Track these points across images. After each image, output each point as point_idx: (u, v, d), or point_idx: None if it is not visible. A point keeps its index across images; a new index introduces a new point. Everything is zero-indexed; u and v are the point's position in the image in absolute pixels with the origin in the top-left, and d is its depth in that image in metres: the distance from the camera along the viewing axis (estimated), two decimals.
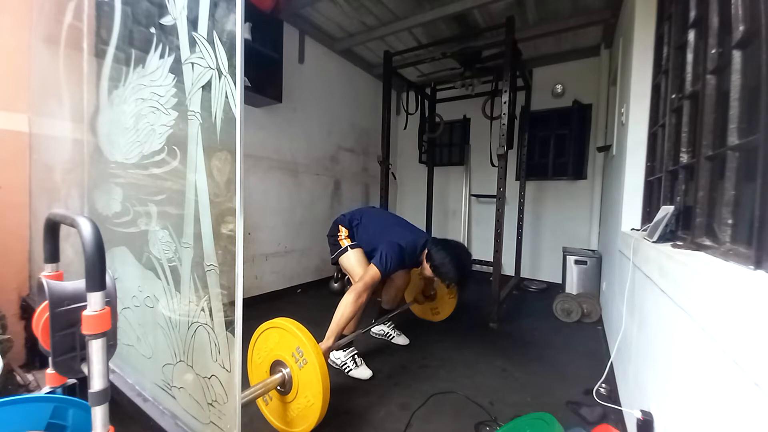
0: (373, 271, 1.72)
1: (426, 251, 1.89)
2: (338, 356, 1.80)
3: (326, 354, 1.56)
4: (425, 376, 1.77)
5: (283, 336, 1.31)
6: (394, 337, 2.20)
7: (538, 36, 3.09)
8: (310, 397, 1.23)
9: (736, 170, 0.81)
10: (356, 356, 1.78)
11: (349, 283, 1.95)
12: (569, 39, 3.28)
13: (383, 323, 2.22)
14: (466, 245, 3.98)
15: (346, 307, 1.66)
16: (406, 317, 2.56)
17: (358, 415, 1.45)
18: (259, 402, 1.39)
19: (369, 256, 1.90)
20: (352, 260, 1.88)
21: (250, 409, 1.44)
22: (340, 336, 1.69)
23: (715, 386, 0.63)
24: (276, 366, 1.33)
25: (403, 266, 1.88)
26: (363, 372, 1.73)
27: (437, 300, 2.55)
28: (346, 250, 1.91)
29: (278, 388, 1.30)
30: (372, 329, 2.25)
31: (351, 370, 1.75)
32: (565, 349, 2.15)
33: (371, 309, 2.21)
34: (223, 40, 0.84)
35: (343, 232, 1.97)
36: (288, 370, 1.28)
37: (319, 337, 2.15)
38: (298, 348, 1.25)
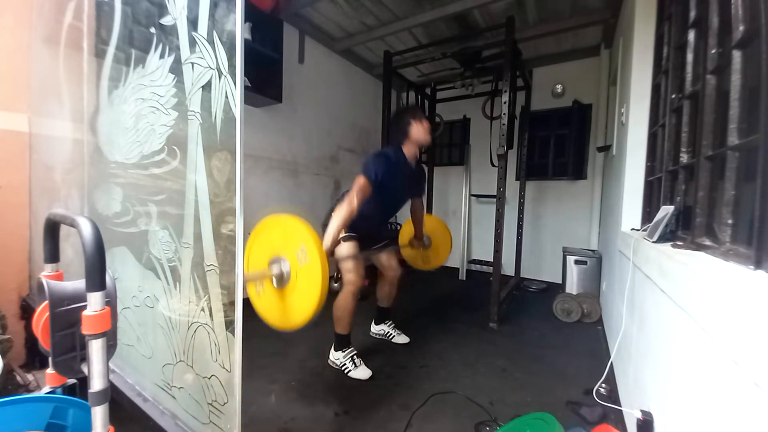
0: (360, 180, 1.66)
1: (399, 139, 1.87)
2: (337, 357, 1.79)
3: (328, 251, 1.55)
4: (425, 376, 1.77)
5: (287, 233, 1.24)
6: (394, 336, 2.20)
7: (538, 36, 3.10)
8: (308, 293, 1.17)
9: (736, 170, 0.81)
10: (355, 357, 1.78)
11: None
12: (569, 39, 3.28)
13: (383, 322, 2.22)
14: (466, 245, 4.00)
15: (338, 213, 1.63)
16: (407, 316, 2.56)
17: (358, 415, 1.45)
18: (251, 293, 1.34)
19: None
20: (344, 252, 1.77)
21: (250, 410, 1.44)
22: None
23: (715, 386, 0.63)
24: (275, 262, 1.26)
25: (391, 166, 1.79)
26: (362, 372, 1.73)
27: (431, 249, 2.53)
28: (338, 242, 1.75)
29: (274, 281, 1.24)
30: (372, 330, 2.26)
31: (350, 370, 1.75)
32: (565, 349, 2.15)
33: (370, 311, 2.22)
34: (223, 40, 0.84)
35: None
36: (288, 264, 1.22)
37: (320, 338, 2.17)
38: (302, 246, 1.18)
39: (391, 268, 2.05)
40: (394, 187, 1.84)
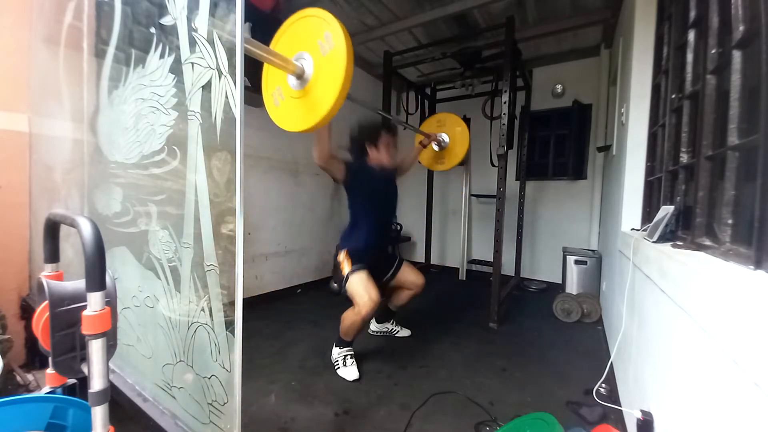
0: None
1: (362, 151, 1.91)
2: (334, 352, 1.81)
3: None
4: (425, 376, 1.77)
5: (311, 24, 1.15)
6: (398, 331, 2.25)
7: (538, 36, 3.09)
8: (332, 81, 1.08)
9: (736, 170, 0.81)
10: (348, 357, 1.78)
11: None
12: (569, 39, 3.28)
13: (386, 321, 2.25)
14: (466, 245, 3.99)
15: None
16: (406, 316, 2.56)
17: (358, 415, 1.45)
18: (269, 105, 1.28)
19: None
20: (355, 285, 1.73)
21: (250, 410, 1.44)
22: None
23: (715, 386, 0.63)
24: (297, 59, 1.17)
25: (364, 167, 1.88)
26: (350, 372, 1.72)
27: (446, 150, 2.57)
28: (347, 278, 1.76)
29: (294, 81, 1.16)
30: (373, 327, 2.27)
31: (339, 368, 1.76)
32: (565, 349, 2.15)
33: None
34: (223, 40, 0.84)
35: (343, 255, 1.84)
36: (310, 59, 1.13)
37: (320, 338, 2.17)
38: (326, 33, 1.09)
39: (417, 285, 2.05)
40: (372, 190, 1.88)
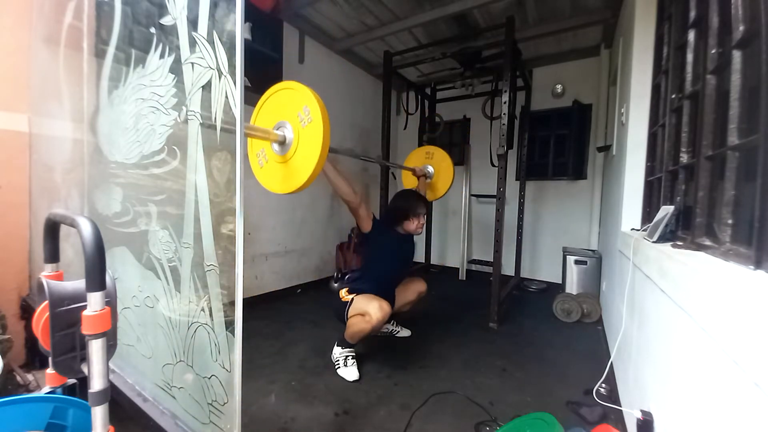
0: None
1: (396, 222, 1.96)
2: (335, 352, 1.81)
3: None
4: (425, 376, 1.77)
5: (291, 97, 1.23)
6: (398, 331, 2.26)
7: (538, 36, 3.09)
8: (310, 152, 1.16)
9: (736, 170, 0.81)
10: (349, 357, 1.78)
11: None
12: (569, 39, 3.28)
13: (388, 322, 2.24)
14: (466, 245, 4.00)
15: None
16: (406, 316, 2.55)
17: (358, 415, 1.45)
18: (254, 166, 1.34)
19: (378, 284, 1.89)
20: (362, 301, 1.75)
21: (250, 410, 1.44)
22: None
23: (715, 386, 0.63)
24: (278, 128, 1.24)
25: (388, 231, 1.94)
26: (350, 373, 1.72)
27: (430, 183, 2.62)
28: (351, 302, 1.79)
29: (276, 148, 1.24)
30: None
31: (340, 368, 1.76)
32: (565, 349, 2.15)
33: None
34: (223, 40, 0.84)
35: (344, 292, 1.87)
36: (291, 129, 1.20)
37: (320, 338, 2.17)
38: (305, 107, 1.18)
39: (421, 292, 2.11)
40: (393, 250, 1.94)
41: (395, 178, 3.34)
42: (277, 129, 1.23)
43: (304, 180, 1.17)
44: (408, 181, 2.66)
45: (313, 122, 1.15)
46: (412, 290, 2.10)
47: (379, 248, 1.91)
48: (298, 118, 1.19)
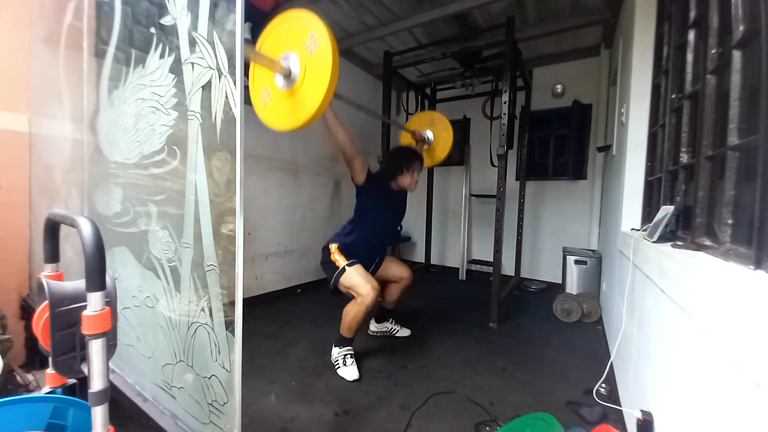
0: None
1: (390, 175, 1.94)
2: (334, 352, 1.81)
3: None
4: (425, 376, 1.77)
5: (296, 26, 1.17)
6: (397, 331, 2.25)
7: (538, 36, 3.09)
8: (318, 81, 1.10)
9: (736, 170, 0.81)
10: (348, 356, 1.78)
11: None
12: (569, 39, 3.28)
13: (385, 320, 2.26)
14: (466, 245, 4.00)
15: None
16: (406, 316, 2.56)
17: (358, 415, 1.45)
18: (257, 105, 1.29)
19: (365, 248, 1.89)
20: (354, 276, 1.73)
21: (250, 410, 1.44)
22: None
23: (715, 386, 0.63)
24: (283, 59, 1.17)
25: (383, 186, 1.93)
26: (350, 372, 1.72)
27: (433, 145, 2.56)
28: (344, 270, 1.76)
29: (281, 81, 1.17)
30: (372, 328, 2.27)
31: (339, 368, 1.76)
32: (565, 349, 2.15)
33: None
34: (223, 40, 0.84)
35: (334, 248, 1.85)
36: (297, 59, 1.14)
37: (320, 338, 2.17)
38: (311, 34, 1.11)
39: (403, 278, 2.09)
40: (385, 205, 1.92)
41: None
42: (282, 60, 1.16)
43: (312, 111, 1.10)
44: (406, 142, 2.59)
45: (320, 48, 1.08)
46: (393, 273, 2.07)
47: (372, 201, 1.90)
48: (304, 47, 1.12)
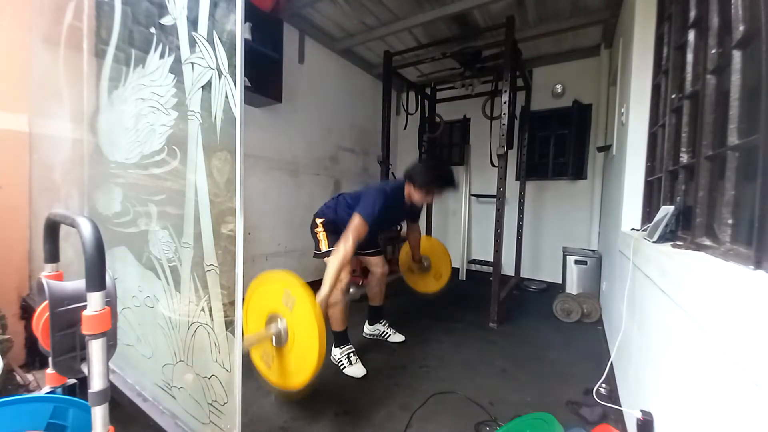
0: (357, 220, 1.59)
1: (407, 179, 1.85)
2: (335, 353, 1.80)
3: (322, 304, 1.41)
4: (425, 376, 1.77)
5: (271, 287, 1.26)
6: (390, 335, 2.17)
7: (538, 36, 3.09)
8: (307, 337, 1.16)
9: (736, 170, 0.81)
10: (351, 354, 1.78)
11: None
12: (569, 39, 3.28)
13: (377, 322, 2.21)
14: (466, 245, 4.00)
15: (334, 259, 1.56)
16: (406, 316, 2.56)
17: (358, 415, 1.45)
18: (262, 368, 1.34)
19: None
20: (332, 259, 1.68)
21: (250, 410, 1.44)
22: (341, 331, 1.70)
23: (715, 386, 0.63)
24: (270, 322, 1.27)
25: (389, 201, 1.74)
26: (357, 370, 1.73)
27: (430, 273, 2.58)
28: (327, 254, 1.74)
29: (275, 342, 1.23)
30: (366, 330, 2.24)
31: (345, 367, 1.75)
32: (565, 349, 2.14)
33: (363, 312, 2.22)
34: (223, 40, 0.84)
35: (319, 224, 1.85)
36: (282, 319, 1.21)
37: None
38: (286, 290, 1.19)
39: (378, 266, 2.08)
40: (389, 217, 1.88)
41: (395, 179, 3.35)
42: (270, 322, 1.26)
43: (317, 353, 1.16)
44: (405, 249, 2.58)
45: (297, 301, 1.18)
46: (373, 266, 2.08)
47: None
48: (284, 305, 1.22)
